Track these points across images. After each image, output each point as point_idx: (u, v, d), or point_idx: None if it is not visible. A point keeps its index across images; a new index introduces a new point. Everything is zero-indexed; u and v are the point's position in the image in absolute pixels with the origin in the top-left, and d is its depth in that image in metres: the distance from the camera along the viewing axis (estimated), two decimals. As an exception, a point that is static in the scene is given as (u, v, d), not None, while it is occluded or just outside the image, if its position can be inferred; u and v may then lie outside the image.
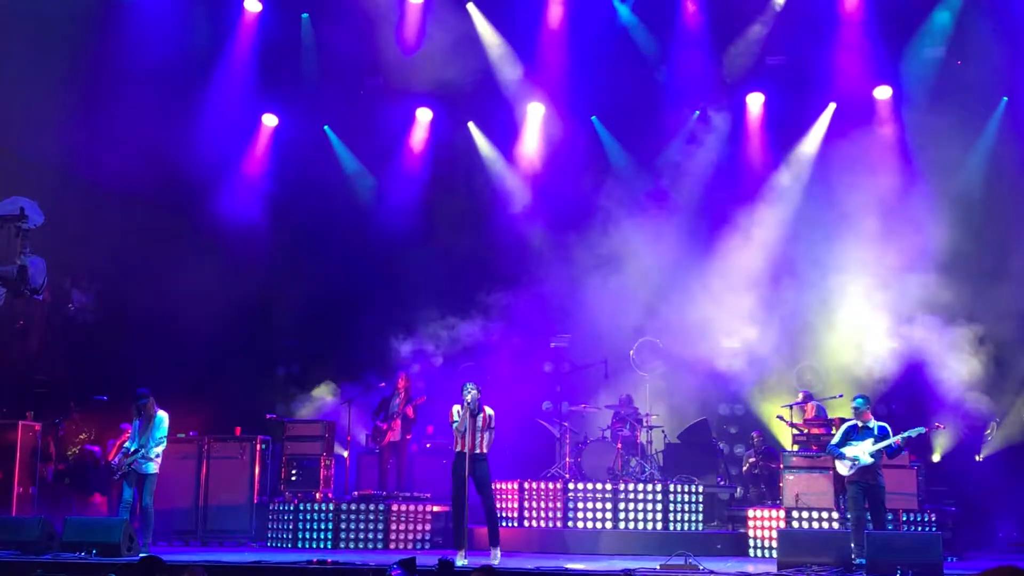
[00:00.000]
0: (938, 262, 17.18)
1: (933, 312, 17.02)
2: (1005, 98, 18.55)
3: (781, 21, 18.87)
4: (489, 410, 13.31)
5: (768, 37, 19.03)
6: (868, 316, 17.65)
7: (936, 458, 17.58)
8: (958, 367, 16.86)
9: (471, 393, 13.20)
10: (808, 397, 16.85)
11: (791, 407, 16.56)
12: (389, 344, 18.28)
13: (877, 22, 18.34)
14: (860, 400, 13.45)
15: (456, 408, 13.27)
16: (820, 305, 17.99)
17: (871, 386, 16.92)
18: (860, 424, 13.24)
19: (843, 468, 13.23)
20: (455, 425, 13.20)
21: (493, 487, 13.72)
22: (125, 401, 14.97)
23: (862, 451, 13.05)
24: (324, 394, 19.11)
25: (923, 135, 18.36)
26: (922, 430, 13.38)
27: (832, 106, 19.35)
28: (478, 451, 13.24)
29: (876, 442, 13.02)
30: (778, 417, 16.82)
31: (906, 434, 13.07)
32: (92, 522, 13.86)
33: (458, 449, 13.22)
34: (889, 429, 13.13)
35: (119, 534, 12.97)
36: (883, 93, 19.08)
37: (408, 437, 17.04)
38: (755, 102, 19.70)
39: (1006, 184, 17.83)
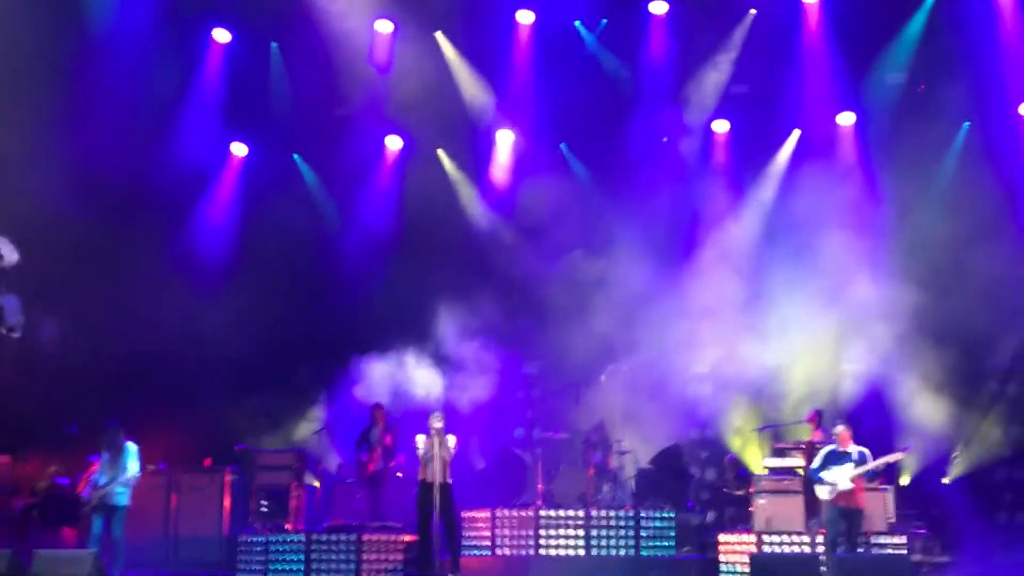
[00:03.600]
0: (902, 287, 17.34)
1: (897, 335, 17.20)
2: (967, 123, 18.80)
3: (745, 50, 19.06)
4: (452, 438, 13.36)
5: (733, 66, 19.20)
6: (832, 340, 17.83)
7: (904, 481, 17.72)
8: (923, 390, 17.04)
9: (439, 422, 13.24)
10: (818, 416, 16.46)
11: (801, 423, 16.61)
12: (358, 373, 18.24)
13: (839, 49, 18.55)
14: (840, 426, 13.58)
15: (421, 437, 13.32)
16: (786, 330, 18.13)
17: (837, 409, 17.05)
18: (840, 449, 13.35)
19: (823, 492, 13.34)
20: (420, 454, 13.26)
21: (464, 515, 13.76)
22: (94, 433, 14.87)
23: (842, 476, 13.15)
24: (295, 424, 19.05)
25: (886, 160, 18.60)
26: (902, 455, 13.57)
27: (796, 133, 19.58)
28: (442, 480, 13.28)
29: (856, 466, 13.13)
30: (755, 429, 16.88)
31: (886, 459, 13.21)
32: (61, 555, 13.73)
33: (423, 478, 13.26)
34: (868, 454, 13.26)
35: (88, 566, 12.87)
36: (846, 119, 19.32)
37: (392, 465, 17.04)
38: (720, 129, 19.89)
39: (969, 209, 18.01)
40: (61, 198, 17.95)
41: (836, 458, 13.33)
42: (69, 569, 12.94)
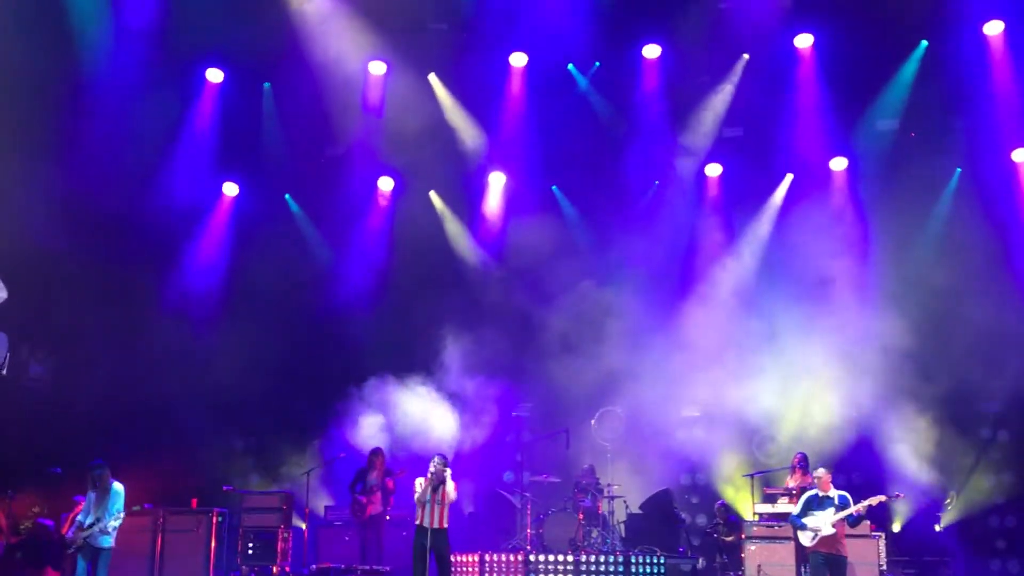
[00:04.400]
0: (893, 329, 17.35)
1: (888, 382, 17.19)
2: (959, 169, 18.85)
3: (738, 94, 19.13)
4: (451, 483, 13.25)
5: (726, 109, 19.25)
6: (824, 386, 17.79)
7: (896, 528, 17.61)
8: (914, 438, 16.98)
9: (436, 466, 13.16)
10: (804, 461, 16.37)
11: (787, 469, 16.57)
12: (348, 414, 18.14)
13: (832, 95, 18.62)
14: (821, 470, 13.49)
15: (420, 480, 13.23)
16: (778, 375, 18.08)
17: (827, 455, 16.98)
18: (821, 494, 13.26)
19: (805, 539, 13.22)
20: (416, 497, 13.15)
21: (453, 559, 13.62)
22: (80, 472, 14.72)
23: (823, 521, 13.05)
24: (286, 463, 18.93)
25: (879, 205, 18.64)
26: (883, 498, 13.45)
27: (789, 177, 19.62)
28: (438, 525, 13.16)
29: (837, 511, 13.03)
30: (745, 475, 16.80)
31: (867, 503, 13.11)
32: (44, 598, 13.58)
33: (419, 522, 13.14)
34: (850, 498, 13.17)
35: (71, 610, 12.71)
36: (839, 164, 19.38)
37: (388, 509, 16.90)
38: (713, 173, 19.93)
39: (962, 254, 18.04)
40: (51, 235, 17.93)
41: (817, 503, 13.24)
42: (51, 612, 12.79)
